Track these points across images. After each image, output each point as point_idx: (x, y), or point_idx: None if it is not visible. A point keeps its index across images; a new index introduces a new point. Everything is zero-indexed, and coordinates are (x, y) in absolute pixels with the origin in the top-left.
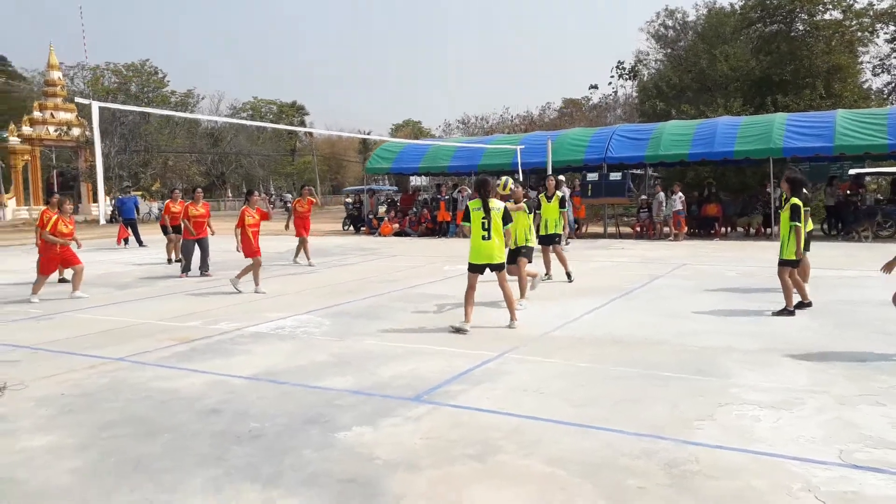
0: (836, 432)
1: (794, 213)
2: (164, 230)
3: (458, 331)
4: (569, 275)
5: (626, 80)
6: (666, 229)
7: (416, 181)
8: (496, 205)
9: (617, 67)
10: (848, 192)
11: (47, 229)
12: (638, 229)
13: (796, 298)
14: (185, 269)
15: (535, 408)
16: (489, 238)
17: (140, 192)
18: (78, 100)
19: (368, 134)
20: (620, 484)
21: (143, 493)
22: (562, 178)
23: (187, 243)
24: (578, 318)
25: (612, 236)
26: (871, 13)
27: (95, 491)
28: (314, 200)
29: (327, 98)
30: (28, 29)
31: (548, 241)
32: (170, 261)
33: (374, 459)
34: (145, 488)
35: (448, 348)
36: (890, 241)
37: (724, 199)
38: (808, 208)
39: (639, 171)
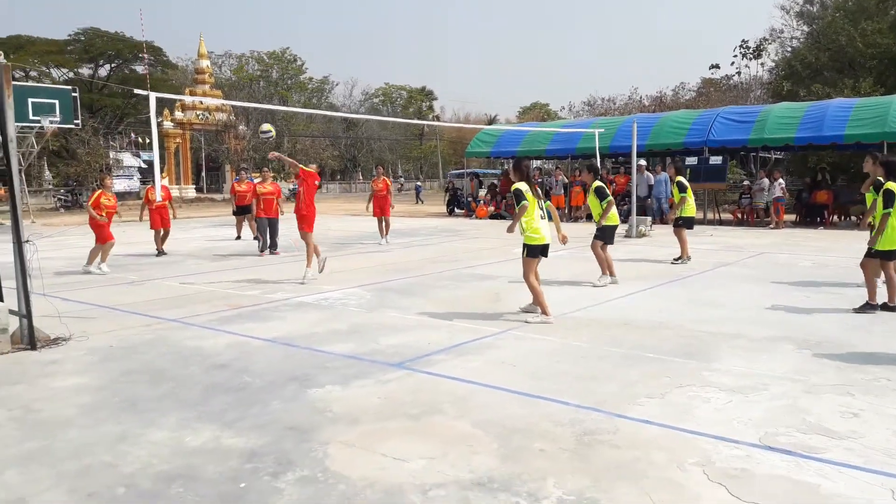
0: (777, 417)
1: (889, 199)
2: (235, 210)
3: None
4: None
5: (751, 59)
6: (768, 218)
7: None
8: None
9: (740, 46)
10: None
11: (89, 203)
12: (739, 216)
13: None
14: (263, 247)
15: (498, 379)
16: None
17: (259, 175)
18: (137, 91)
19: (495, 117)
20: (526, 446)
21: (125, 425)
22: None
23: (261, 221)
24: (608, 301)
25: (710, 223)
26: None
27: (89, 420)
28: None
29: (456, 82)
30: (182, 20)
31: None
32: (238, 237)
33: (326, 412)
34: (129, 422)
35: (458, 323)
36: None
37: (837, 186)
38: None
39: (779, 155)
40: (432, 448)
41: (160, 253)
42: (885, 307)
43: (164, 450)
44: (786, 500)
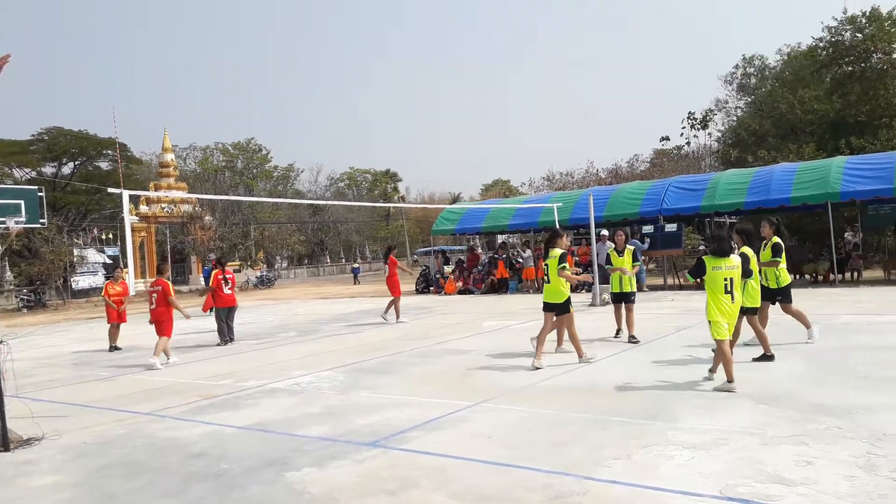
0: (737, 469)
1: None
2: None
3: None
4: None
5: (699, 129)
6: None
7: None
8: (553, 253)
9: (688, 118)
10: None
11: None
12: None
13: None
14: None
15: (472, 450)
16: (548, 282)
17: (238, 263)
18: (111, 189)
19: (459, 195)
20: None
21: None
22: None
23: (217, 311)
24: (576, 369)
25: (671, 288)
26: None
27: None
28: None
29: (420, 162)
30: (145, 114)
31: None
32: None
33: (304, 494)
34: None
35: (430, 399)
36: None
37: (790, 246)
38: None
39: (733, 220)
40: None
41: (114, 349)
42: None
43: None
44: None
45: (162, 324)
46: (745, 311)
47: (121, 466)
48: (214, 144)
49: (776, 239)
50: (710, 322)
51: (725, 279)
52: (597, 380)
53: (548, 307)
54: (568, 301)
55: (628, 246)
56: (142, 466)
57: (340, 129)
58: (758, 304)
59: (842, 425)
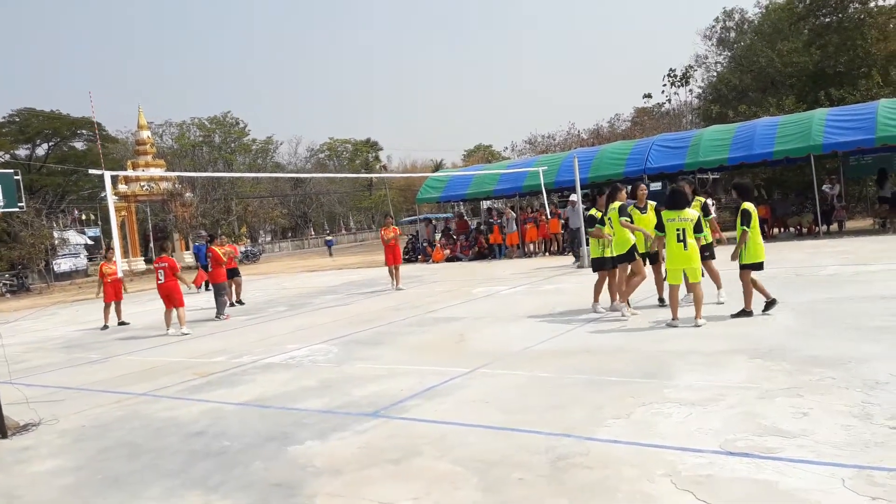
0: (735, 424)
1: (745, 218)
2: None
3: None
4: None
5: (679, 86)
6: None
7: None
8: (613, 206)
9: (668, 75)
10: None
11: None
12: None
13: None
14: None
15: (472, 416)
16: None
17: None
18: (92, 171)
19: (441, 162)
20: (505, 477)
21: (112, 500)
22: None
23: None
24: (569, 331)
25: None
26: None
27: (74, 500)
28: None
29: (400, 130)
30: (119, 93)
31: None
32: (232, 303)
33: (308, 467)
34: (115, 497)
35: (427, 367)
36: None
37: (774, 200)
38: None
39: (716, 175)
40: (416, 489)
41: (121, 324)
42: (743, 313)
43: None
44: (748, 499)
45: (175, 295)
46: (747, 268)
47: (121, 448)
48: (190, 120)
49: (702, 199)
50: (666, 270)
51: (678, 229)
52: (590, 341)
53: (617, 260)
54: (633, 249)
55: (649, 202)
56: (142, 448)
57: (318, 100)
58: (761, 258)
59: (835, 376)
